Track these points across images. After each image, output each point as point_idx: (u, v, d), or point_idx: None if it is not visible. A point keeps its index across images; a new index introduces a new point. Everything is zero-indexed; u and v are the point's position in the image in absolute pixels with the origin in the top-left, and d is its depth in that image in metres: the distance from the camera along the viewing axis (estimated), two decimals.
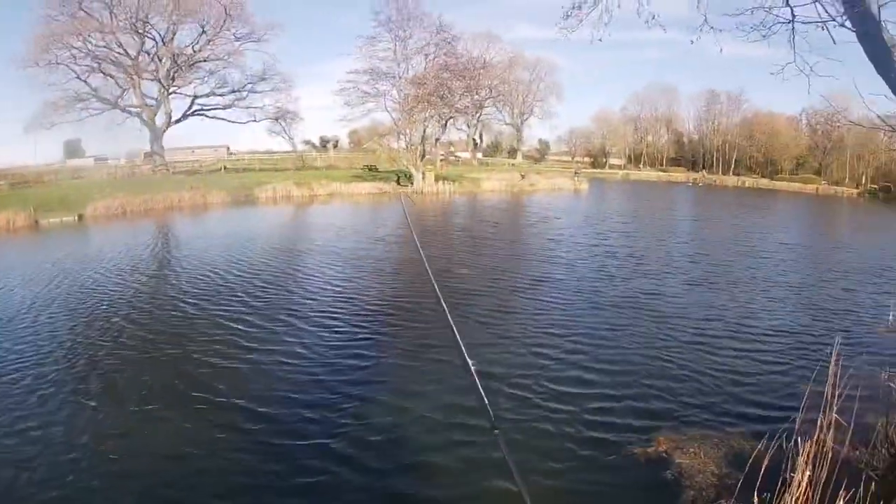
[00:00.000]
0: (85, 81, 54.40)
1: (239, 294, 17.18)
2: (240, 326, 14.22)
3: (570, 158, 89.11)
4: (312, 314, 15.02)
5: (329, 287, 17.91)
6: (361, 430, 8.93)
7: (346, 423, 9.16)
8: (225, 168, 58.87)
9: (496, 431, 3.89)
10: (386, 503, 7.14)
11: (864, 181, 66.74)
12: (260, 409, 9.87)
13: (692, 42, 8.55)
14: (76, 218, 34.03)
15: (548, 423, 8.80)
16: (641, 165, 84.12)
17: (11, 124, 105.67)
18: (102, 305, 16.33)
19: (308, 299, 16.45)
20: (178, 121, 60.95)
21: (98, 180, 47.76)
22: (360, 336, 13.27)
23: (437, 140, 57.64)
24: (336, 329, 13.78)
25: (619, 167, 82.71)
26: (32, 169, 54.88)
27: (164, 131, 59.61)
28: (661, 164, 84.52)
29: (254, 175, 52.73)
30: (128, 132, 59.12)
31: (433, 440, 8.43)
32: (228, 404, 10.12)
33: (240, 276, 19.57)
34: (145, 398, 10.41)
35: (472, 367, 3.80)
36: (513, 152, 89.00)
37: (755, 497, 6.02)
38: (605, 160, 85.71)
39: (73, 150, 71.25)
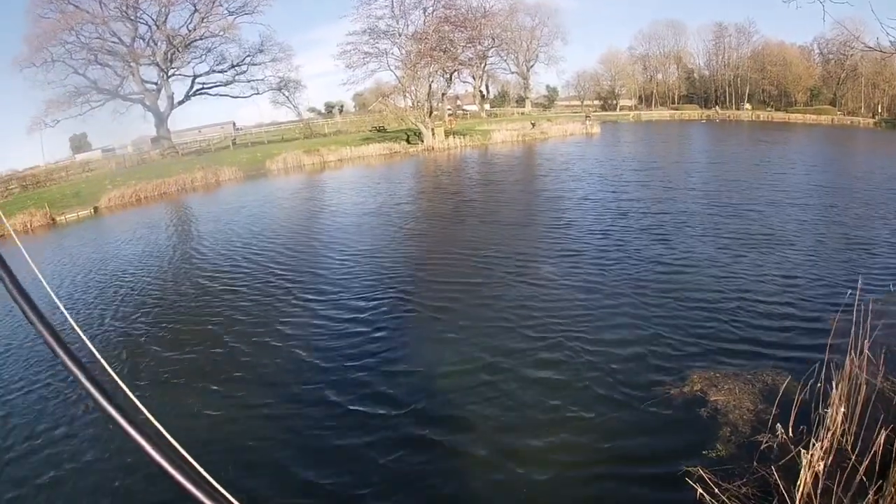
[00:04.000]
0: (83, 75, 54.40)
1: (262, 262, 17.65)
2: (268, 291, 14.68)
3: (579, 103, 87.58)
4: (336, 276, 15.39)
5: (350, 248, 18.18)
6: (388, 380, 9.26)
7: (372, 373, 9.51)
8: (234, 144, 58.78)
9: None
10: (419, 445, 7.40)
11: (879, 111, 64.90)
12: (295, 370, 10.27)
13: None
14: (92, 211, 34.30)
15: (584, 367, 9.04)
16: (653, 105, 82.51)
17: (17, 127, 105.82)
18: (128, 289, 16.75)
19: (331, 263, 16.78)
20: (180, 102, 61.04)
21: (108, 171, 48.06)
22: (389, 293, 13.55)
23: (443, 95, 57.09)
24: (360, 287, 14.19)
25: (631, 108, 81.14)
26: (42, 168, 55.21)
27: (169, 114, 59.71)
28: (674, 103, 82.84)
29: (263, 148, 52.72)
30: (132, 120, 59.29)
31: (468, 386, 8.70)
32: (266, 365, 10.57)
33: (261, 245, 19.97)
34: (185, 369, 10.87)
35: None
36: (521, 101, 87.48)
37: (790, 431, 6.13)
38: (615, 102, 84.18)
39: (79, 144, 71.62)
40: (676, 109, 77.83)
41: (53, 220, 32.55)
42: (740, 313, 10.56)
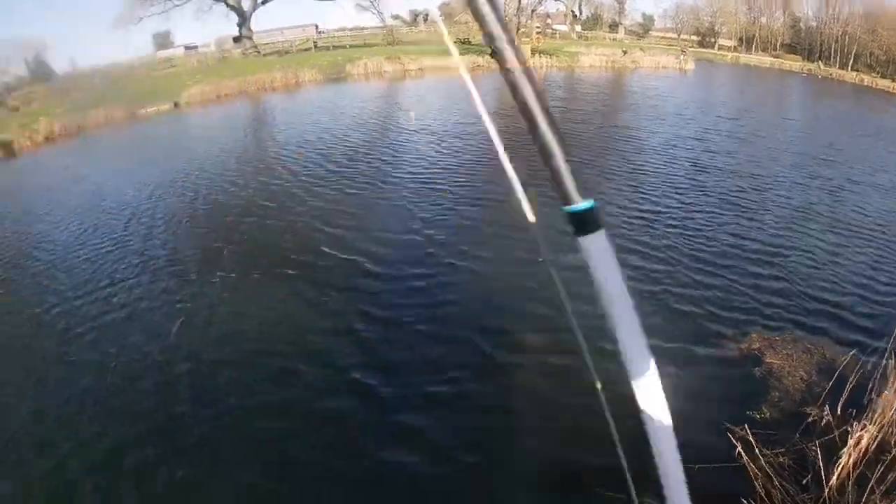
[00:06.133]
0: None
1: (335, 164, 18.41)
2: (338, 194, 15.54)
3: (675, 36, 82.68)
4: (407, 187, 15.98)
5: (423, 160, 18.64)
6: (449, 295, 9.91)
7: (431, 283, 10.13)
8: (315, 46, 58.38)
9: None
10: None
11: None
12: (356, 269, 11.27)
13: None
14: (172, 106, 35.04)
15: (646, 309, 9.29)
16: (753, 49, 77.01)
17: (102, 25, 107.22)
18: (204, 182, 17.86)
19: (403, 172, 17.36)
20: (264, 2, 60.51)
21: (190, 68, 48.77)
22: (460, 210, 14.15)
23: (532, 11, 54.93)
24: (429, 200, 14.79)
25: (729, 49, 76.06)
26: (124, 64, 56.16)
27: (252, 14, 59.44)
28: (775, 50, 77.05)
29: (344, 52, 52.20)
30: (216, 18, 59.29)
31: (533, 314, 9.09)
32: (327, 266, 11.52)
33: (336, 148, 20.55)
34: (248, 264, 11.89)
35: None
36: (614, 26, 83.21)
37: (839, 410, 6.26)
38: (713, 40, 79.04)
39: (162, 41, 72.37)
40: (777, 57, 72.41)
41: (134, 113, 33.47)
42: (814, 283, 10.48)
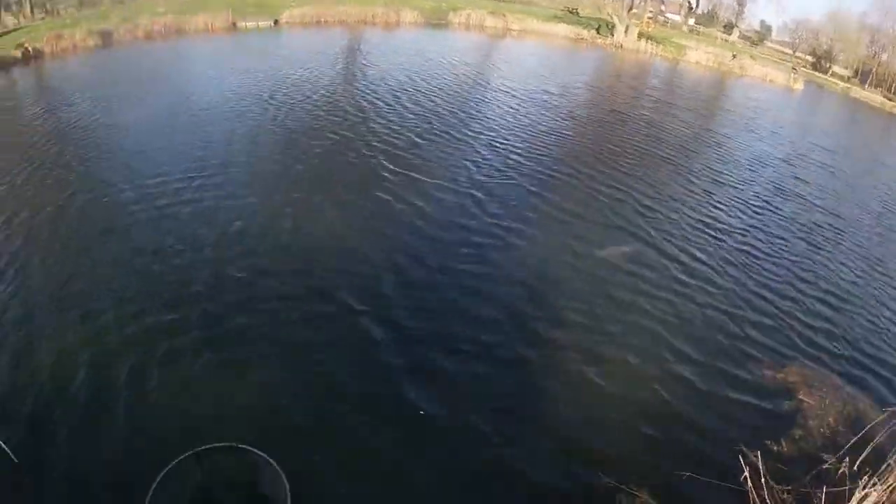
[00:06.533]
0: None
1: (416, 109, 18.75)
2: (409, 140, 15.99)
3: (790, 52, 78.42)
4: (476, 145, 16.26)
5: (500, 123, 18.77)
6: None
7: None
8: None
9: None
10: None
11: None
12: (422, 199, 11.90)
13: None
14: (272, 23, 35.23)
15: (696, 323, 9.55)
16: (867, 84, 72.26)
17: None
18: (288, 101, 18.49)
19: (476, 130, 17.60)
20: None
21: None
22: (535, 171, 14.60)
23: None
24: (495, 164, 15.02)
25: (842, 78, 71.70)
26: None
27: None
28: (890, 90, 71.98)
29: None
30: None
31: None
32: (385, 203, 12.12)
33: (420, 95, 20.71)
34: (313, 186, 12.63)
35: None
36: (729, 27, 79.41)
37: (856, 465, 6.20)
38: (828, 65, 74.59)
39: None
40: (890, 99, 67.75)
41: (234, 24, 33.66)
42: (869, 337, 10.36)
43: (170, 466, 5.28)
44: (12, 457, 5.95)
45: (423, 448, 6.56)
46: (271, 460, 5.38)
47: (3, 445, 5.92)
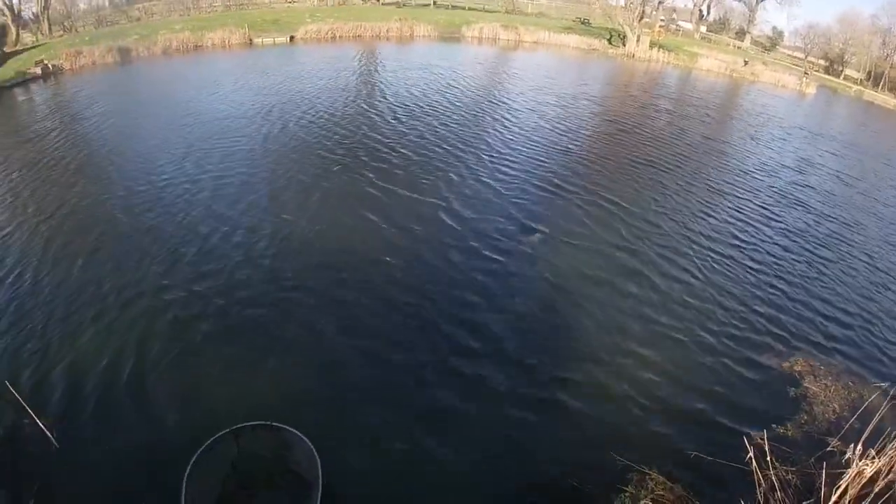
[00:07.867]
0: None
1: (431, 117, 19.65)
2: (431, 140, 17.23)
3: (802, 56, 78.23)
4: (495, 156, 16.73)
5: (517, 129, 19.54)
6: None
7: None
8: (434, 3, 58.17)
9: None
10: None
11: None
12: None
13: None
14: (288, 39, 36.05)
15: (708, 312, 9.93)
16: (880, 87, 71.91)
17: None
18: (308, 108, 19.68)
19: (497, 142, 18.07)
20: None
21: (310, 7, 49.20)
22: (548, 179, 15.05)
23: (659, 3, 53.14)
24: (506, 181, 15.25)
25: (855, 81, 71.37)
26: None
27: None
28: None
29: (462, 13, 51.82)
30: None
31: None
32: (412, 207, 12.71)
33: (435, 103, 21.39)
34: (341, 184, 13.30)
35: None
36: (741, 34, 79.39)
37: (859, 447, 6.42)
38: (840, 69, 74.32)
39: None
40: None
41: (251, 41, 34.56)
42: (876, 331, 10.54)
43: (207, 443, 5.67)
44: (53, 441, 6.37)
45: (445, 430, 7.02)
46: (304, 438, 5.76)
47: (45, 429, 6.33)
